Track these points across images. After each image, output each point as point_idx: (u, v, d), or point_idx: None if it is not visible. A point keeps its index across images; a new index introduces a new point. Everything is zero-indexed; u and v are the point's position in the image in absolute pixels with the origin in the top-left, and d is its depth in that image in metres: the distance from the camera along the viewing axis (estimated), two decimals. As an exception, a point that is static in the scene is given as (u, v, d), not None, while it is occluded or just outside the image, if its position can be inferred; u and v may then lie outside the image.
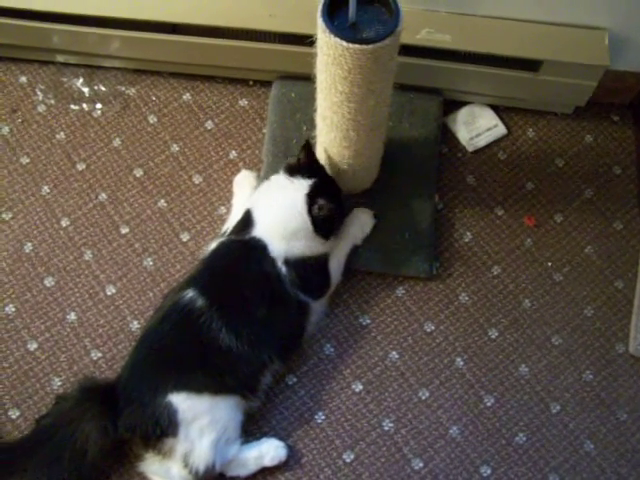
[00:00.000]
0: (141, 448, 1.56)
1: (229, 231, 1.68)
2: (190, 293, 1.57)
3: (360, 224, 1.77)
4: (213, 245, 1.69)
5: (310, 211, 1.59)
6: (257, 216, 1.63)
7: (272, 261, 1.60)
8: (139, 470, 1.58)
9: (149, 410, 1.51)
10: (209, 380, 1.55)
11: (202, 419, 1.52)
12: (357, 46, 1.34)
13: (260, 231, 1.62)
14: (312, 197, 1.60)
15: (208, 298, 1.56)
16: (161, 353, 1.57)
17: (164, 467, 1.55)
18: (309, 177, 1.62)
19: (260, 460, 1.60)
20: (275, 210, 1.63)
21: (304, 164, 1.64)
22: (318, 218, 1.60)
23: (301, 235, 1.61)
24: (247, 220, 1.64)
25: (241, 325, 1.57)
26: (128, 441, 1.57)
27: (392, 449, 1.67)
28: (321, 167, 1.67)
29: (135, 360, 1.60)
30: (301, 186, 1.61)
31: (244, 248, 1.63)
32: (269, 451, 1.61)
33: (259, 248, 1.60)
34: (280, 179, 1.66)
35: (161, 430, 1.51)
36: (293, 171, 1.64)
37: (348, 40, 1.34)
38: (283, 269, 1.60)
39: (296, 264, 1.61)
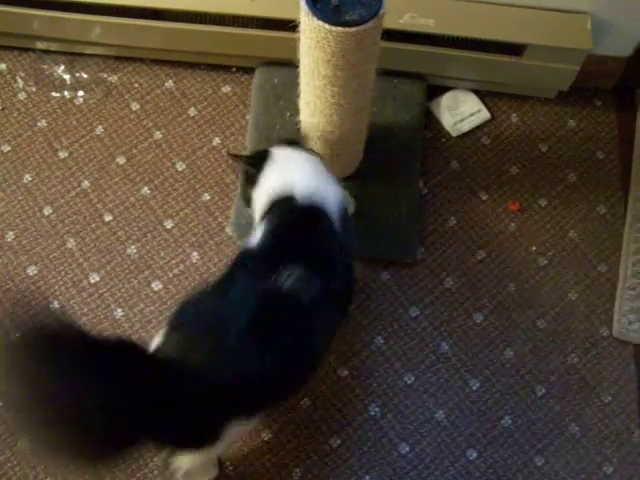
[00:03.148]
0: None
1: None
2: None
3: None
4: None
5: None
6: None
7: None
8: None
9: (194, 424, 1.25)
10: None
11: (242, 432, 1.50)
12: (340, 29, 1.34)
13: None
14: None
15: None
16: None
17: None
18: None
19: None
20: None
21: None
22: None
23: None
24: None
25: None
26: None
27: (378, 434, 1.67)
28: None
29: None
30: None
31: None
32: None
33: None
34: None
35: (200, 444, 1.32)
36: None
37: (331, 23, 1.34)
38: None
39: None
